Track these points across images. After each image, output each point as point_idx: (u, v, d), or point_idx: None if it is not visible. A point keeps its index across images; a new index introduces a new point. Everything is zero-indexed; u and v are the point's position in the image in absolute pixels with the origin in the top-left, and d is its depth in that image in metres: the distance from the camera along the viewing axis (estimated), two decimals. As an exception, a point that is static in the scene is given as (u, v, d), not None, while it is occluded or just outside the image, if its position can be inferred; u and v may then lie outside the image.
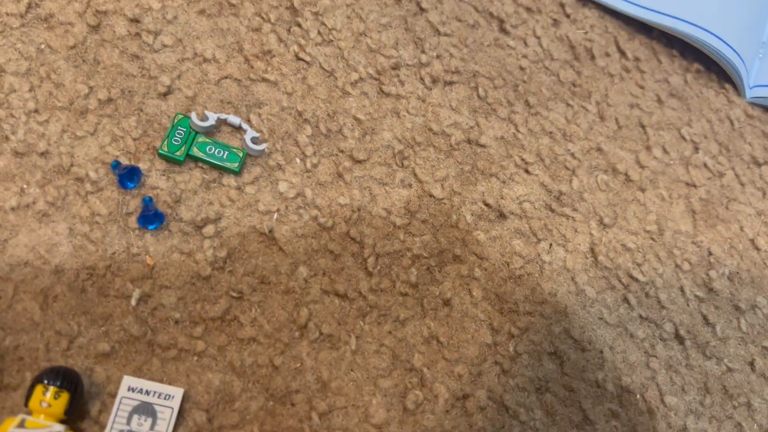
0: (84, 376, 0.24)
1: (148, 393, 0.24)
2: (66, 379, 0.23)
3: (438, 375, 0.27)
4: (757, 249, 0.33)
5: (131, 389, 0.24)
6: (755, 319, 0.32)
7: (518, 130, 0.33)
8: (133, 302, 0.25)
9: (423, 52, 0.33)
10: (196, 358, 0.25)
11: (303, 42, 0.32)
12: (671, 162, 0.34)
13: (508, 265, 0.30)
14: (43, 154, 0.27)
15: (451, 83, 0.33)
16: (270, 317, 0.27)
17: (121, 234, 0.26)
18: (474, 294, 0.29)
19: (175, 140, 0.28)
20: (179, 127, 0.28)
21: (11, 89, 0.27)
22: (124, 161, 0.27)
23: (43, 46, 0.28)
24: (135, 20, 0.30)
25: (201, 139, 0.28)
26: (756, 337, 0.32)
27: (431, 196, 0.30)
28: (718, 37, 0.36)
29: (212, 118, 0.28)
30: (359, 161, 0.30)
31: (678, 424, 0.29)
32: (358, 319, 0.27)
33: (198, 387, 0.25)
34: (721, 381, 0.30)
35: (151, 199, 0.26)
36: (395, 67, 0.33)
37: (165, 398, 0.24)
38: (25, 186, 0.26)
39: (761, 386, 0.31)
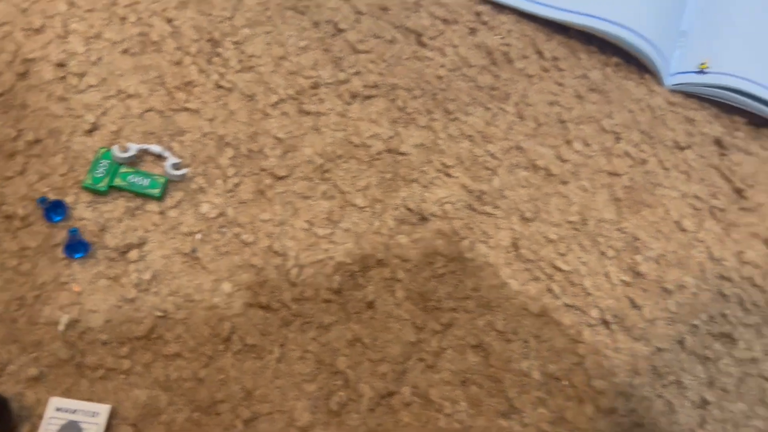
0: (14, 401, 0.25)
1: (74, 412, 0.25)
2: None
3: (362, 375, 0.28)
4: (684, 230, 0.34)
5: (58, 409, 0.25)
6: (683, 298, 0.32)
7: (438, 137, 0.34)
8: (62, 327, 0.27)
9: (341, 70, 0.35)
10: (123, 376, 0.27)
11: (223, 70, 0.33)
12: (593, 154, 0.35)
13: (431, 264, 0.31)
14: (-26, 196, 0.28)
15: (370, 97, 0.35)
16: (194, 333, 0.28)
17: (49, 265, 0.28)
18: (397, 295, 0.30)
19: (98, 173, 0.29)
20: (102, 160, 0.30)
21: (-57, 139, 0.29)
22: (52, 196, 0.29)
23: (-27, 97, 0.30)
24: (61, 65, 0.32)
25: (123, 169, 0.30)
26: (685, 316, 0.32)
27: (353, 205, 0.32)
28: (633, 31, 0.37)
29: (133, 148, 0.30)
30: (280, 178, 0.31)
31: (606, 406, 0.29)
32: (282, 329, 0.29)
33: (125, 403, 0.26)
34: (651, 361, 0.31)
35: (76, 230, 0.28)
36: (314, 86, 0.34)
37: (91, 416, 0.25)
38: (-44, 227, 0.28)
39: (692, 364, 0.31)
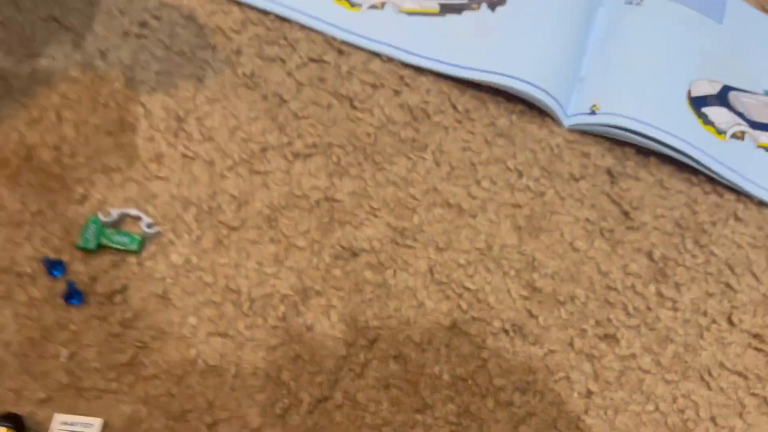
0: (27, 418, 0.33)
1: (73, 425, 0.32)
2: (10, 419, 0.31)
3: (302, 385, 0.35)
4: (576, 250, 0.41)
5: (62, 423, 0.32)
6: (574, 307, 0.39)
7: (367, 184, 0.41)
8: (63, 359, 0.34)
9: (286, 134, 0.42)
10: (112, 395, 0.34)
11: (187, 143, 0.41)
12: (498, 190, 0.42)
13: (360, 291, 0.38)
14: (-8, 260, 0.36)
15: (310, 155, 0.42)
16: (167, 358, 0.35)
17: (52, 311, 0.35)
18: (332, 318, 0.37)
19: (88, 235, 0.37)
20: (91, 225, 0.37)
21: (-34, 215, 0.37)
22: (52, 255, 0.37)
23: (-12, 180, 0.38)
24: (56, 148, 0.40)
25: (108, 230, 0.37)
26: (575, 323, 0.39)
27: (295, 246, 0.39)
28: (532, 84, 0.44)
29: (115, 213, 0.38)
30: (235, 228, 0.39)
31: (505, 399, 0.36)
32: (237, 351, 0.36)
33: (114, 417, 0.33)
34: (544, 361, 0.37)
35: (72, 282, 0.35)
36: (263, 149, 0.42)
37: (87, 427, 0.32)
38: (-21, 285, 0.36)
39: (579, 362, 0.38)
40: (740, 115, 0.45)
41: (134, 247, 0.37)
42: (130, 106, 0.42)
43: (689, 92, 0.45)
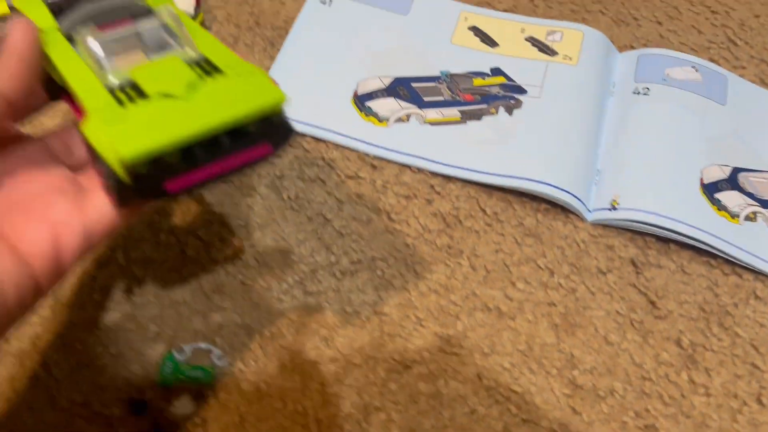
0: None
1: None
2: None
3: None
4: (610, 343, 0.44)
5: None
6: (614, 401, 0.42)
7: (411, 295, 0.45)
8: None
9: (332, 253, 0.46)
10: None
11: (245, 270, 0.45)
12: (533, 290, 0.45)
13: (416, 403, 0.41)
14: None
15: (356, 271, 0.45)
16: (249, 484, 0.38)
17: (140, 448, 0.39)
18: (393, 432, 0.40)
19: (166, 372, 0.40)
20: (168, 361, 0.41)
21: (54, 362, 0.41)
22: (136, 396, 0.40)
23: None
24: (128, 291, 0.43)
25: (183, 365, 0.41)
26: (616, 415, 0.42)
27: (353, 363, 0.42)
28: (552, 186, 0.47)
29: (187, 349, 0.41)
30: (296, 351, 0.42)
31: (559, 498, 0.39)
32: (311, 471, 0.39)
33: None
34: (591, 457, 0.40)
35: (156, 418, 0.39)
36: (314, 270, 0.45)
37: None
38: (73, 429, 0.39)
39: (623, 454, 0.41)
40: (751, 195, 0.48)
41: (208, 379, 0.41)
42: (188, 239, 0.45)
43: (701, 179, 0.48)
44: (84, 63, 0.28)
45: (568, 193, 0.47)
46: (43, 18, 0.30)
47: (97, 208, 0.29)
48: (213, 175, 0.26)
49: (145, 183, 0.24)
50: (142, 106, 0.25)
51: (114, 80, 0.27)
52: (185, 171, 0.25)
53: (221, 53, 0.29)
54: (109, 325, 0.42)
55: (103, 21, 0.30)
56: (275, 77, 0.52)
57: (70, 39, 0.30)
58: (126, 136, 0.24)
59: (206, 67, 0.27)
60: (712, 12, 0.59)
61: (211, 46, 0.29)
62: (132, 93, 0.26)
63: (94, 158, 0.27)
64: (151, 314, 0.43)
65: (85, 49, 0.28)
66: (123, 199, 0.26)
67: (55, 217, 0.28)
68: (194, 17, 0.52)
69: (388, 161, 0.50)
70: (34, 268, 0.27)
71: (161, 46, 0.29)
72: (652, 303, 0.45)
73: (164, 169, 0.24)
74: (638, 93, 0.52)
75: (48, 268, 0.28)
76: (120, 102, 0.26)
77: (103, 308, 0.43)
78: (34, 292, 0.28)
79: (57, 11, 0.31)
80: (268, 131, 0.26)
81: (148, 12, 0.31)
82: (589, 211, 0.48)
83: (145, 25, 0.29)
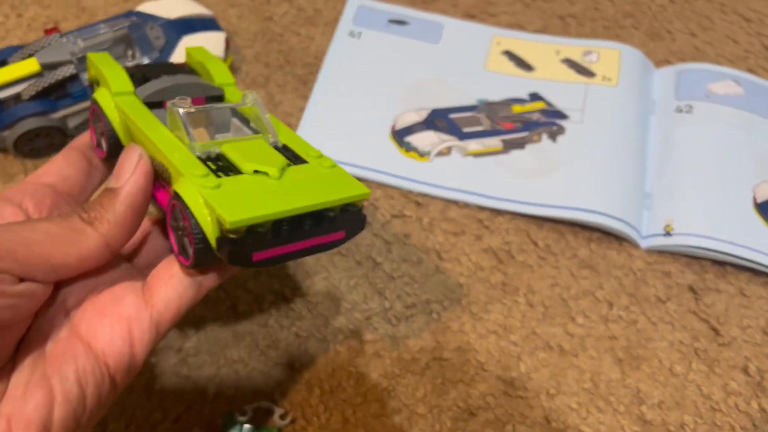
0: None
1: None
2: None
3: None
4: (676, 375, 0.43)
5: None
6: (686, 435, 0.41)
7: (469, 337, 0.44)
8: None
9: (385, 298, 0.45)
10: None
11: (299, 323, 0.44)
12: (593, 324, 0.44)
13: (485, 451, 0.40)
14: None
15: (411, 316, 0.44)
16: None
17: None
18: (465, 483, 0.39)
19: (229, 435, 0.40)
20: (229, 425, 0.40)
21: None
22: (200, 460, 0.39)
23: (126, 391, 0.41)
24: (179, 350, 0.42)
25: (246, 427, 0.40)
26: (690, 451, 0.41)
27: (417, 413, 0.41)
28: (604, 214, 0.46)
29: (249, 410, 0.40)
30: (358, 404, 0.41)
31: None
32: None
33: None
34: (669, 497, 0.40)
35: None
36: (368, 318, 0.44)
37: None
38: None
39: (701, 491, 0.40)
40: (805, 211, 0.47)
41: (273, 440, 0.40)
42: (238, 293, 0.44)
43: (754, 198, 0.47)
44: (167, 130, 0.29)
45: (621, 221, 0.46)
46: (122, 82, 0.31)
47: (163, 298, 0.29)
48: (293, 252, 0.27)
49: (237, 249, 0.25)
50: (240, 179, 0.27)
51: (201, 150, 0.28)
52: (272, 245, 0.26)
53: (299, 142, 0.30)
54: (166, 389, 0.41)
55: (178, 96, 0.30)
56: (310, 117, 0.51)
57: (150, 106, 0.31)
58: (228, 203, 0.25)
59: (289, 154, 0.27)
60: (746, 20, 0.58)
61: (288, 136, 0.31)
62: (223, 164, 0.28)
63: (178, 221, 0.27)
64: (208, 375, 0.42)
65: (173, 118, 0.29)
66: (201, 263, 0.27)
67: (126, 313, 0.28)
68: (224, 59, 0.51)
69: (433, 197, 0.49)
70: (109, 366, 0.27)
71: (226, 127, 0.30)
72: (715, 330, 0.44)
73: (256, 240, 0.26)
74: (681, 111, 0.51)
75: (123, 365, 0.28)
76: (215, 172, 0.27)
77: (158, 372, 0.42)
78: (111, 390, 0.27)
79: (134, 77, 0.32)
80: (345, 220, 0.28)
81: (220, 94, 0.31)
82: (643, 237, 0.47)
83: (217, 105, 0.29)
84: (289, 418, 0.40)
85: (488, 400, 0.42)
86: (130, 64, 0.48)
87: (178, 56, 0.49)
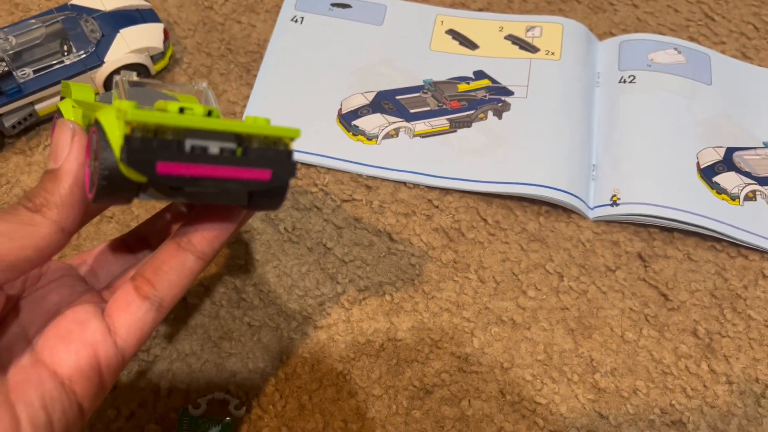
0: None
1: None
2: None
3: None
4: (628, 342, 0.44)
5: None
6: (638, 400, 0.42)
7: (422, 316, 0.44)
8: None
9: (338, 283, 0.45)
10: None
11: (251, 312, 0.43)
12: (544, 297, 0.45)
13: (442, 428, 0.41)
14: (101, 472, 0.38)
15: (364, 299, 0.44)
16: None
17: None
18: (423, 461, 0.40)
19: (183, 428, 0.39)
20: (183, 418, 0.39)
21: None
22: (155, 456, 0.39)
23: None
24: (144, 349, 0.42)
25: (200, 420, 0.40)
26: (642, 414, 0.41)
27: (373, 395, 0.41)
28: (551, 188, 0.47)
29: (203, 402, 0.40)
30: (314, 390, 0.41)
31: (597, 508, 0.39)
32: None
33: None
34: (623, 461, 0.40)
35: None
36: (321, 303, 0.44)
37: None
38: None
39: (655, 453, 0.40)
40: (747, 174, 0.48)
41: (228, 431, 0.39)
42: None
43: (698, 164, 0.48)
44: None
45: (568, 193, 0.47)
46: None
47: (124, 325, 0.29)
48: (206, 177, 0.24)
49: (141, 149, 0.23)
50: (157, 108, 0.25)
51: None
52: (178, 158, 0.24)
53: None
54: (119, 386, 0.41)
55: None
56: (255, 105, 0.50)
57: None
58: (140, 112, 0.23)
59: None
60: (686, -11, 0.58)
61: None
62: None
63: (93, 152, 0.25)
64: (161, 370, 0.41)
65: (119, 89, 0.29)
66: (110, 189, 0.24)
67: (92, 338, 0.28)
68: (164, 51, 0.50)
69: (383, 180, 0.48)
70: (77, 393, 0.27)
71: None
72: (664, 295, 0.45)
73: (161, 145, 0.24)
74: (624, 81, 0.51)
75: (91, 391, 0.28)
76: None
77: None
78: (79, 416, 0.27)
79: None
80: (269, 157, 0.26)
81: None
82: (590, 208, 0.48)
83: (164, 85, 0.29)
84: (244, 409, 0.40)
85: (443, 377, 0.42)
86: (65, 59, 0.47)
87: (115, 50, 0.48)
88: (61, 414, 0.26)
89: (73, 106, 0.30)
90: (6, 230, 0.25)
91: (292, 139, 0.27)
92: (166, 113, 0.24)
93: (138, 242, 0.35)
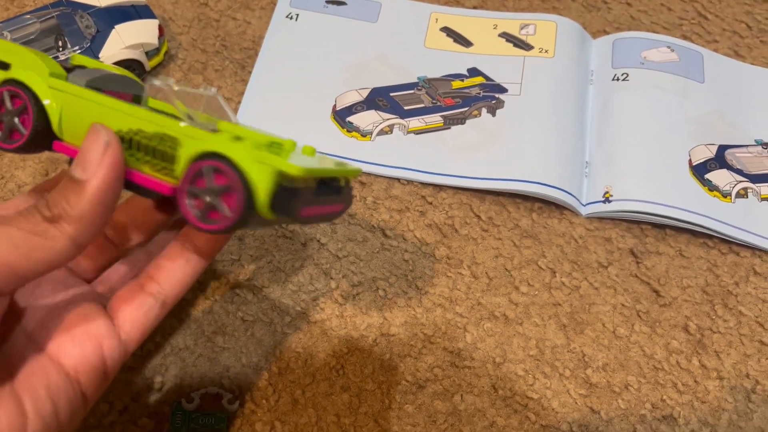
0: None
1: None
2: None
3: None
4: (619, 337, 0.44)
5: None
6: (630, 395, 0.42)
7: (415, 311, 0.44)
8: None
9: (331, 278, 0.45)
10: None
11: (244, 307, 0.44)
12: (536, 292, 0.45)
13: (435, 423, 0.41)
14: (94, 466, 0.39)
15: (357, 294, 0.45)
16: None
17: (161, 505, 0.38)
18: (415, 455, 0.40)
19: (176, 424, 0.39)
20: (177, 413, 0.40)
21: None
22: (148, 450, 0.39)
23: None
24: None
25: (194, 414, 0.40)
26: (633, 409, 0.42)
27: (366, 390, 0.42)
28: (543, 184, 0.47)
29: (196, 396, 0.40)
30: (307, 384, 0.41)
31: (588, 501, 0.39)
32: (338, 506, 0.38)
33: None
34: (614, 455, 0.40)
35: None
36: (314, 298, 0.44)
37: None
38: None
39: (646, 448, 0.41)
40: (739, 171, 0.49)
41: (221, 426, 0.39)
42: (182, 282, 0.44)
43: (690, 161, 0.48)
44: (143, 107, 0.28)
45: (561, 190, 0.47)
46: (54, 65, 0.30)
47: (128, 319, 0.30)
48: (318, 215, 0.28)
49: (294, 199, 0.26)
50: (266, 147, 0.26)
51: (205, 123, 0.27)
52: (314, 202, 0.27)
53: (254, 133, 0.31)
54: (115, 380, 0.41)
55: (107, 89, 0.30)
56: (249, 101, 0.50)
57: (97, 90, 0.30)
58: (280, 160, 0.25)
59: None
60: (680, -12, 0.59)
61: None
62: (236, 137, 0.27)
63: (208, 184, 0.26)
64: (154, 364, 0.41)
65: (158, 94, 0.28)
66: (243, 223, 0.26)
67: (96, 330, 0.29)
68: (159, 47, 0.51)
69: (376, 176, 0.49)
70: (81, 383, 0.28)
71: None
72: (656, 292, 0.45)
73: (305, 194, 0.27)
74: (617, 79, 0.52)
75: (95, 381, 0.28)
76: (239, 139, 0.26)
77: (103, 364, 0.41)
78: (83, 405, 0.28)
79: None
80: (347, 192, 0.30)
81: (140, 94, 0.32)
82: (583, 205, 0.48)
83: (189, 89, 0.29)
84: (237, 403, 0.40)
85: (436, 372, 0.42)
86: (60, 54, 0.47)
87: (110, 46, 0.48)
88: (66, 404, 0.27)
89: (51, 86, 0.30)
90: (18, 240, 0.24)
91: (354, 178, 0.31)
92: (319, 167, 0.27)
93: (117, 232, 0.35)
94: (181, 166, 0.26)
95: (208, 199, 0.26)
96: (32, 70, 0.30)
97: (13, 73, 0.30)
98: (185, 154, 0.26)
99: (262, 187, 0.25)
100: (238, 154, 0.25)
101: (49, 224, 0.25)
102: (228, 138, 0.26)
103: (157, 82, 0.27)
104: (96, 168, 0.25)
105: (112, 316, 0.30)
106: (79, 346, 0.28)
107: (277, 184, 0.25)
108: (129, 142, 0.27)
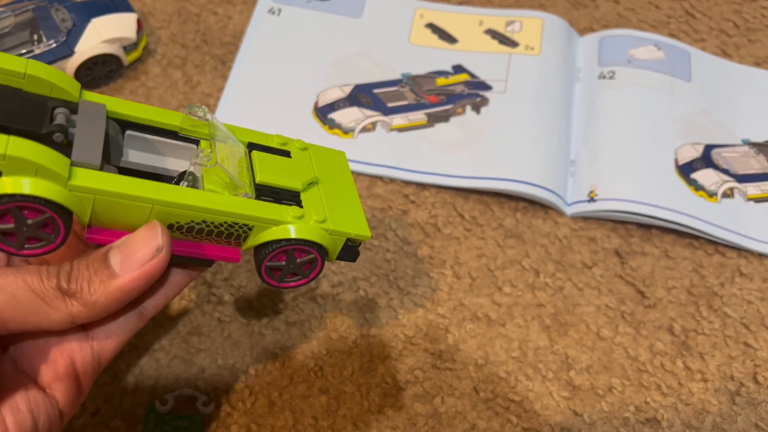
0: None
1: None
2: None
3: None
4: (603, 339, 0.43)
5: None
6: (613, 397, 0.41)
7: (397, 312, 0.43)
8: None
9: (310, 278, 0.44)
10: None
11: (221, 307, 0.43)
12: (520, 293, 0.44)
13: (415, 425, 0.40)
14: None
15: (338, 294, 0.44)
16: None
17: None
18: (394, 459, 0.39)
19: (150, 427, 0.38)
20: (150, 415, 0.39)
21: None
22: (120, 453, 0.38)
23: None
24: (98, 340, 0.41)
25: (168, 417, 0.39)
26: (617, 412, 0.41)
27: (345, 392, 0.41)
28: (528, 183, 0.46)
29: (170, 398, 0.39)
30: (284, 386, 0.41)
31: (569, 506, 0.38)
32: None
33: None
34: (597, 459, 0.40)
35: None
36: (294, 298, 0.43)
37: None
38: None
39: (629, 451, 0.40)
40: (725, 171, 0.48)
41: (196, 428, 0.39)
42: (158, 281, 0.43)
43: (676, 161, 0.48)
44: (177, 187, 0.27)
45: (546, 189, 0.46)
46: (57, 159, 0.24)
47: (103, 330, 0.29)
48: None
49: (349, 252, 0.32)
50: (312, 204, 0.30)
51: (251, 186, 0.29)
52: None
53: (255, 134, 0.33)
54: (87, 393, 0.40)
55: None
56: (229, 97, 0.49)
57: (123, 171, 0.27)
58: (343, 225, 0.30)
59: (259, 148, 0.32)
60: (668, -15, 0.58)
61: (240, 131, 0.32)
62: (277, 194, 0.30)
63: (291, 260, 0.30)
64: (127, 365, 0.40)
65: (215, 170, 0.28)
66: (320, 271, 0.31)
67: (68, 346, 0.28)
68: (137, 41, 0.50)
69: (358, 174, 0.48)
70: (57, 399, 0.28)
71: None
72: (641, 292, 0.45)
73: (355, 245, 0.32)
74: (604, 77, 0.51)
75: (70, 396, 0.28)
76: (281, 201, 0.30)
77: (75, 365, 0.40)
78: (60, 420, 0.28)
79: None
80: (352, 249, 0.33)
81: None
82: (568, 204, 0.47)
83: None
84: (212, 405, 0.39)
85: (416, 374, 0.41)
86: (35, 48, 0.46)
87: (87, 40, 0.47)
88: (45, 419, 0.27)
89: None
90: (21, 297, 0.24)
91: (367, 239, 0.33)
92: (349, 219, 0.31)
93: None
94: (252, 244, 0.29)
95: (291, 267, 0.30)
96: (33, 173, 0.23)
97: (21, 188, 0.23)
98: (261, 238, 0.29)
99: (333, 250, 0.31)
100: (313, 234, 0.29)
101: (60, 296, 0.25)
102: (293, 217, 0.29)
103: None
104: (136, 270, 0.25)
105: (86, 327, 0.29)
106: (52, 363, 0.28)
107: (349, 245, 0.31)
108: (185, 228, 0.27)
